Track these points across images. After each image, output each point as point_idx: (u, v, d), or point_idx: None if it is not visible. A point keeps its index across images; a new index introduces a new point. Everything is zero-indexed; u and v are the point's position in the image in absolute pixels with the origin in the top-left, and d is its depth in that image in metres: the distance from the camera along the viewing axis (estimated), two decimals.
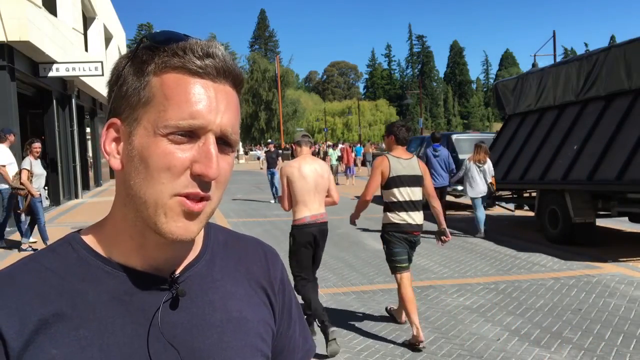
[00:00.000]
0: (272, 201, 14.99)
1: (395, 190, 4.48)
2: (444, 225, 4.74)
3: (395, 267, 4.51)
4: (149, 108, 0.69)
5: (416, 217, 4.52)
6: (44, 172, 8.20)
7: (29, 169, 7.82)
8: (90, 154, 19.18)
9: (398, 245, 4.49)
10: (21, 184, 7.81)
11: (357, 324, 4.89)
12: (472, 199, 9.23)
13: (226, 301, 0.79)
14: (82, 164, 17.15)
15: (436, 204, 4.67)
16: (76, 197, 15.87)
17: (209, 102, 0.69)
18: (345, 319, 5.05)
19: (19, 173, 7.89)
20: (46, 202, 8.19)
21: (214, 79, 0.70)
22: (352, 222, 4.96)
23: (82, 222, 10.91)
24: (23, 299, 0.69)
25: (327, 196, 4.51)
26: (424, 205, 4.57)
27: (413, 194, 4.50)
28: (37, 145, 8.13)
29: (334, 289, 6.07)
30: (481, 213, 9.13)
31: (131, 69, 0.71)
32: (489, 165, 9.17)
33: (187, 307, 0.76)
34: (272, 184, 15.30)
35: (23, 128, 12.44)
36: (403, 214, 4.48)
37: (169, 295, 0.74)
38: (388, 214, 4.55)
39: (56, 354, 0.67)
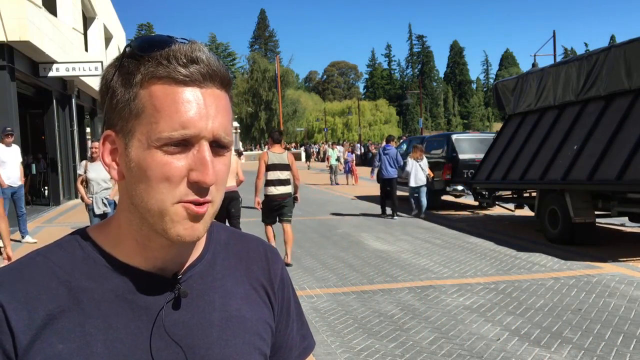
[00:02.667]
0: None
1: (270, 173, 6.88)
2: (298, 194, 7.37)
3: (265, 221, 7.14)
4: (140, 120, 0.70)
5: (282, 189, 6.91)
6: (102, 176, 7.31)
7: (81, 173, 7.45)
8: (89, 153, 19.16)
9: (269, 210, 7.02)
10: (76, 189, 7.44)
11: (357, 324, 4.89)
12: (412, 187, 11.54)
13: (226, 300, 0.81)
14: (80, 163, 17.13)
15: (297, 182, 7.24)
16: (76, 197, 15.86)
17: (198, 109, 0.69)
18: (345, 319, 5.06)
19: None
20: (102, 209, 7.28)
21: (201, 84, 0.70)
22: (257, 206, 7.21)
23: (82, 222, 10.90)
24: (31, 293, 0.71)
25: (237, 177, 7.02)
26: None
27: (282, 175, 6.90)
28: (92, 146, 7.54)
29: (334, 289, 6.07)
30: (423, 197, 11.50)
31: (119, 80, 0.71)
32: (424, 161, 11.62)
33: (188, 306, 0.77)
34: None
35: (23, 128, 12.46)
36: (273, 188, 6.90)
37: (172, 296, 0.76)
38: (266, 187, 6.96)
39: (62, 348, 0.69)
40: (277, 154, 6.96)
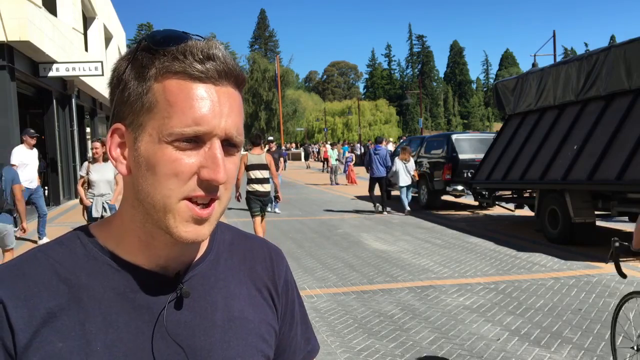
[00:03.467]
0: (277, 210, 12.73)
1: (250, 172, 7.63)
2: (279, 192, 8.44)
3: (252, 214, 7.75)
4: (152, 114, 0.68)
5: (263, 187, 7.69)
6: (105, 178, 6.85)
7: (83, 175, 6.96)
8: (90, 154, 19.16)
9: (254, 203, 7.68)
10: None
11: (357, 324, 4.89)
12: (400, 187, 12.31)
13: (228, 301, 0.80)
14: (82, 164, 17.13)
15: (275, 180, 8.15)
16: (76, 197, 15.86)
17: (212, 106, 0.68)
18: (345, 319, 5.06)
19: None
20: (101, 213, 6.74)
21: (216, 81, 0.69)
22: (237, 199, 8.08)
23: (82, 222, 10.90)
24: (32, 290, 0.70)
25: None
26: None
27: (261, 174, 7.67)
28: (93, 146, 7.10)
29: (334, 289, 6.07)
30: (404, 196, 12.30)
31: (132, 73, 0.70)
32: (411, 163, 12.35)
33: (190, 307, 0.76)
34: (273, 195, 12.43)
35: (23, 128, 12.44)
36: (256, 185, 7.63)
37: (174, 295, 0.75)
38: (249, 184, 7.66)
39: (62, 347, 0.68)
40: (255, 155, 7.72)
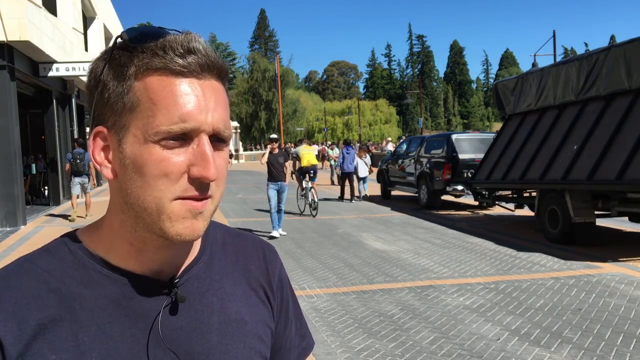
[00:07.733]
0: (282, 232, 9.77)
1: None
2: None
3: None
4: (135, 114, 0.66)
5: None
6: None
7: None
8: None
9: None
10: None
11: (357, 324, 4.89)
12: (360, 177, 15.72)
13: (224, 303, 0.78)
14: None
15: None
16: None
17: (197, 101, 0.66)
18: (345, 319, 5.06)
19: None
20: None
21: (199, 75, 0.67)
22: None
23: (82, 221, 10.91)
24: (20, 302, 0.67)
25: None
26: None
27: None
28: None
29: (334, 289, 6.07)
30: (362, 185, 15.80)
31: (110, 73, 0.68)
32: (367, 159, 16.07)
33: (185, 311, 0.74)
34: (279, 210, 9.55)
35: (23, 128, 12.45)
36: None
37: (168, 300, 0.73)
38: None
39: (55, 359, 0.66)
40: None
